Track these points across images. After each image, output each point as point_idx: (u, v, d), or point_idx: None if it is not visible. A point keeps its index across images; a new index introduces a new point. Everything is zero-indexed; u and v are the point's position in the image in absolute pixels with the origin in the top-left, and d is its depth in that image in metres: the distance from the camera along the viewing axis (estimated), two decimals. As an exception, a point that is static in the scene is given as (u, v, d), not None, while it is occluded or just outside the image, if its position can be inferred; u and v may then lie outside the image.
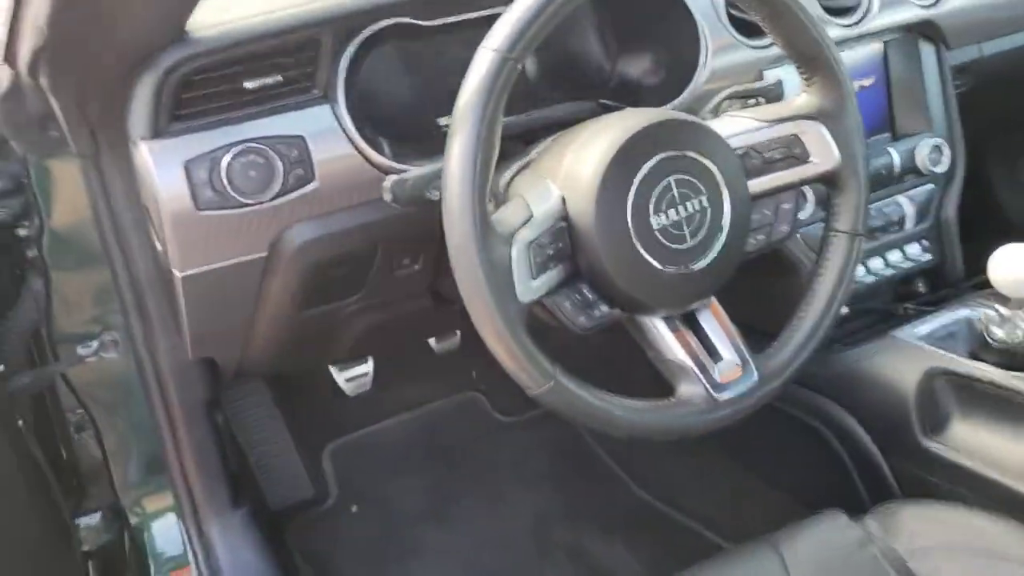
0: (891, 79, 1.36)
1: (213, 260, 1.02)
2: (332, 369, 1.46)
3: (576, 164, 0.89)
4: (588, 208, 0.87)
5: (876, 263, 1.35)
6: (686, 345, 0.94)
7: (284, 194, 1.00)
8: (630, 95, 1.19)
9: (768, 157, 0.97)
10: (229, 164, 0.96)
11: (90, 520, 1.34)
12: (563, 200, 0.88)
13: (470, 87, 0.81)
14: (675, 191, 0.90)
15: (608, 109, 1.16)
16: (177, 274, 1.02)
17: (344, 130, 1.01)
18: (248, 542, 1.36)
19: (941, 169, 1.37)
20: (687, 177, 0.90)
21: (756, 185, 0.97)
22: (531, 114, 1.16)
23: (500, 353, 0.83)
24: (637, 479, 1.71)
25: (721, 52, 1.19)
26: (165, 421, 1.25)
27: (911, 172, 1.37)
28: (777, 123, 0.98)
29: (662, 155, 0.89)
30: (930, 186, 1.39)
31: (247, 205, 0.99)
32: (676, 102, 1.15)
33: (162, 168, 0.95)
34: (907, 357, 1.18)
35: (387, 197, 0.92)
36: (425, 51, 1.12)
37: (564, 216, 0.88)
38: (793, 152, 0.98)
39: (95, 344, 1.19)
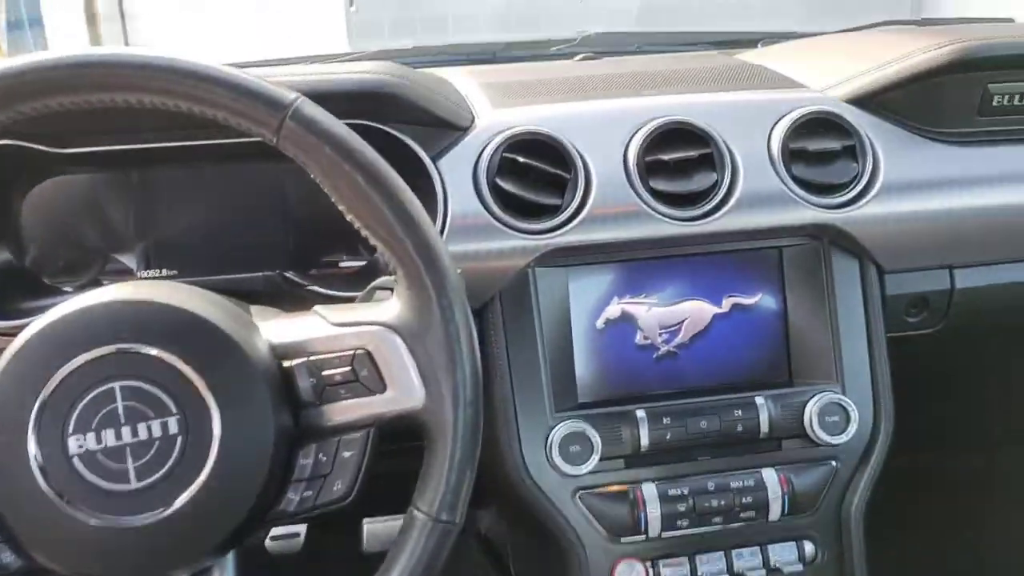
0: (788, 301, 0.96)
1: None
2: None
3: None
4: None
5: (712, 565, 0.92)
6: None
7: None
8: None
9: (328, 378, 0.65)
10: None
11: None
12: None
13: None
14: (120, 405, 0.61)
15: (295, 287, 0.90)
16: None
17: None
18: None
19: (841, 440, 0.93)
20: (146, 387, 0.62)
21: (304, 417, 0.65)
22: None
23: None
24: None
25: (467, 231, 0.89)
26: None
27: (795, 436, 0.94)
28: (343, 329, 0.66)
29: (106, 350, 0.62)
30: (828, 463, 0.95)
31: None
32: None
33: None
34: None
35: None
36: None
37: None
38: (359, 376, 0.65)
39: None
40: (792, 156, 0.94)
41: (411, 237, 0.63)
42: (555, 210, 0.90)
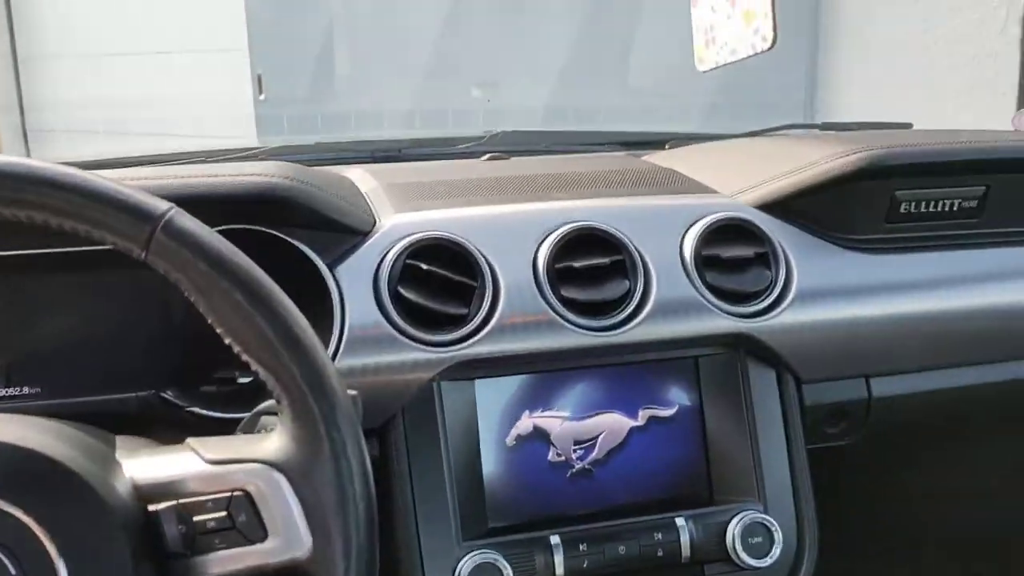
0: (705, 413, 0.92)
1: None
2: None
3: None
4: None
5: None
6: None
7: None
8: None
9: (200, 525, 0.57)
10: None
11: None
12: None
13: None
14: None
15: (173, 409, 0.82)
16: None
17: None
18: None
19: (765, 563, 0.88)
20: None
21: (172, 571, 0.57)
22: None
23: None
24: None
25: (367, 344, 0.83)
26: None
27: (717, 560, 0.89)
28: (219, 468, 0.58)
29: None
30: (753, 587, 0.90)
31: None
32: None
33: None
34: None
35: None
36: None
37: None
38: (237, 522, 0.57)
39: None
40: (705, 263, 0.91)
41: (296, 362, 0.56)
42: (461, 320, 0.85)
